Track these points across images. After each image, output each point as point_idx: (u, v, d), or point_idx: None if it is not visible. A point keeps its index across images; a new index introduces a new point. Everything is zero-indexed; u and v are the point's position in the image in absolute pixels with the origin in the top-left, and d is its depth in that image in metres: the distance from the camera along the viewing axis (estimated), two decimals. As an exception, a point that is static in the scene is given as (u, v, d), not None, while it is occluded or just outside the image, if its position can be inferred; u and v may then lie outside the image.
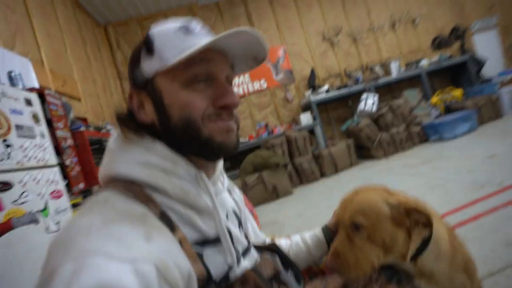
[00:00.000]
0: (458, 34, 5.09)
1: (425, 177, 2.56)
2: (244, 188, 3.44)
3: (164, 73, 0.43)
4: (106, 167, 0.44)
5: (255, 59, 0.50)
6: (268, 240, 0.71)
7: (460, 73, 5.28)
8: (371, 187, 0.63)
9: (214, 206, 0.45)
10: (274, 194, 3.52)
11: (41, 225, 1.33)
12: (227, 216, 0.51)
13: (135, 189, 0.40)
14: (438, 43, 5.10)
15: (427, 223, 0.54)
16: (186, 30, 0.44)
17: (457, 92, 4.56)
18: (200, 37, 0.44)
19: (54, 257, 0.30)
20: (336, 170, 4.02)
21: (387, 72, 5.14)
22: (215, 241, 0.44)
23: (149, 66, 0.43)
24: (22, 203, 1.25)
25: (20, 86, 1.65)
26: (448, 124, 3.73)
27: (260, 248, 0.57)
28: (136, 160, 0.42)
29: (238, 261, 0.46)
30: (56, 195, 1.49)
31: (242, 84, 5.11)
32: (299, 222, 2.49)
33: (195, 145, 0.44)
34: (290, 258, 0.59)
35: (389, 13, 5.57)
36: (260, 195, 3.47)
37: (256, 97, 5.16)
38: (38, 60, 2.58)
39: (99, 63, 4.11)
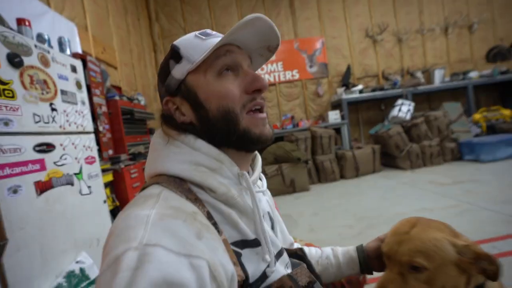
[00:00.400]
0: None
1: (454, 199, 2.43)
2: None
3: (195, 71, 0.46)
4: (154, 163, 0.46)
5: (268, 48, 0.52)
6: (296, 244, 0.71)
7: (512, 91, 4.84)
8: (432, 222, 0.55)
9: (256, 207, 0.45)
10: (291, 187, 3.52)
11: (76, 187, 1.42)
12: (263, 218, 0.51)
13: (185, 187, 0.42)
14: (494, 55, 4.67)
15: (494, 274, 0.47)
16: (203, 34, 0.48)
17: (507, 112, 4.19)
18: (217, 36, 0.48)
19: (116, 243, 0.32)
20: (357, 174, 3.92)
21: (429, 79, 4.82)
22: (253, 242, 0.44)
23: (180, 70, 0.47)
24: (62, 165, 1.32)
25: (68, 52, 1.70)
26: (488, 145, 3.46)
27: (288, 252, 0.57)
28: (183, 158, 0.44)
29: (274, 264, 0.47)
30: (90, 160, 1.57)
31: (273, 72, 5.00)
32: (313, 221, 2.48)
33: (235, 134, 0.46)
34: (314, 268, 0.59)
35: (444, 14, 5.12)
36: (277, 187, 3.48)
37: (286, 87, 5.06)
38: (82, 25, 2.65)
39: (137, 33, 4.17)
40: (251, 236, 0.45)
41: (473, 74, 4.62)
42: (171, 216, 0.35)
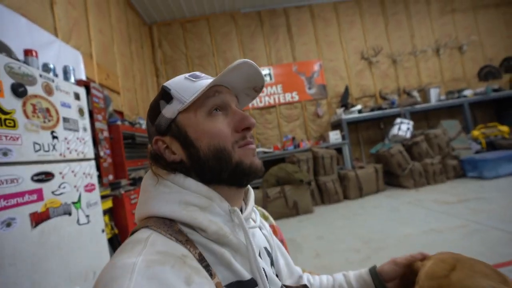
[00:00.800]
0: (510, 65, 4.74)
1: (461, 218, 2.36)
2: (265, 200, 3.38)
3: (185, 111, 0.47)
4: (144, 205, 0.45)
5: (254, 89, 0.54)
6: (304, 276, 0.68)
7: (508, 108, 4.90)
8: (474, 263, 0.49)
9: (249, 244, 0.44)
10: (294, 210, 3.43)
11: (73, 217, 1.37)
12: (259, 255, 0.50)
13: (175, 229, 0.41)
14: (486, 74, 4.78)
15: None
16: (193, 76, 0.50)
17: (505, 128, 4.22)
18: (207, 78, 0.50)
19: None
20: (361, 194, 3.85)
21: (425, 98, 4.90)
22: (249, 283, 0.43)
23: (170, 110, 0.48)
24: (60, 194, 1.29)
25: (72, 80, 1.73)
26: (491, 161, 3.44)
27: None
28: (172, 198, 0.43)
29: None
30: (89, 188, 1.54)
31: (273, 94, 5.10)
32: (318, 245, 2.39)
33: (227, 171, 0.46)
34: None
35: (434, 37, 5.33)
36: (280, 209, 3.40)
37: (286, 108, 5.13)
38: (88, 53, 2.73)
39: (140, 60, 4.30)
40: (247, 276, 0.43)
41: (468, 92, 4.71)
42: (158, 262, 0.34)
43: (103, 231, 1.59)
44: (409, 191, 3.71)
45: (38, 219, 1.14)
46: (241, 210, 0.51)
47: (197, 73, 0.52)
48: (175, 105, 0.47)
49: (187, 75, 0.51)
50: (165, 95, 0.49)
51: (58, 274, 1.20)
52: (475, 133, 4.31)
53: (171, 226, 0.41)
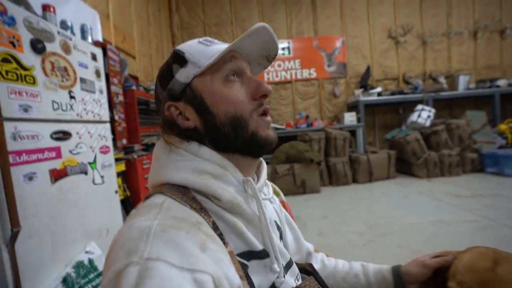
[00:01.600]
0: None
1: (472, 213, 2.31)
2: (273, 176, 3.41)
3: (201, 76, 0.45)
4: (157, 173, 0.45)
5: (267, 57, 0.53)
6: (318, 255, 0.68)
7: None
8: None
9: (262, 214, 0.44)
10: (301, 188, 3.46)
11: (89, 177, 1.42)
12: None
13: (189, 196, 0.41)
14: (526, 63, 4.40)
15: None
16: (206, 41, 0.48)
17: (536, 124, 3.97)
18: (220, 43, 0.48)
19: (118, 257, 0.31)
20: (371, 179, 3.81)
21: (453, 85, 4.61)
22: (261, 253, 0.43)
23: (185, 74, 0.45)
24: (77, 153, 1.32)
25: (89, 40, 1.70)
26: (513, 158, 3.29)
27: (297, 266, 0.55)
28: (186, 166, 0.43)
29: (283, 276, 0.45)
30: (104, 150, 1.57)
31: (290, 69, 4.92)
32: (322, 224, 2.42)
33: (242, 139, 0.45)
34: (326, 285, 0.55)
35: (473, 18, 4.87)
36: (287, 186, 3.43)
37: (302, 85, 4.97)
38: (105, 13, 2.66)
39: (156, 24, 4.18)
40: (259, 247, 0.43)
41: (502, 82, 4.39)
42: (173, 227, 0.34)
43: (116, 192, 1.66)
44: (421, 180, 3.64)
45: (57, 175, 1.18)
46: None
47: (210, 38, 0.50)
48: (190, 69, 0.45)
49: (200, 39, 0.49)
50: (179, 59, 0.46)
51: (75, 229, 1.27)
52: (502, 127, 4.07)
53: (185, 193, 0.41)
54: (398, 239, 1.99)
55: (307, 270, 0.57)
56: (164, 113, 0.48)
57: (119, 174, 1.91)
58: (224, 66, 0.45)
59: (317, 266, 0.64)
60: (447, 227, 2.10)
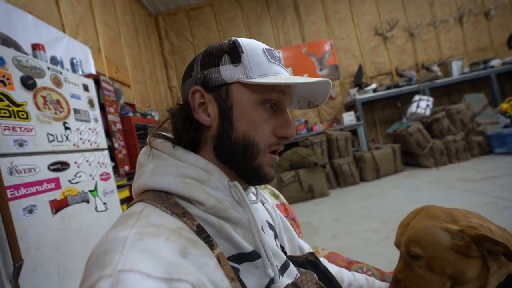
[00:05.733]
0: (543, 30, 4.32)
1: (488, 196, 2.23)
2: (279, 185, 3.38)
3: (244, 86, 0.43)
4: (139, 180, 0.43)
5: (309, 103, 0.52)
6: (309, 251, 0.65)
7: (540, 77, 4.51)
8: (431, 209, 0.56)
9: (251, 217, 0.43)
10: (309, 194, 3.41)
11: (91, 205, 1.42)
12: (262, 228, 0.49)
13: (171, 202, 0.39)
14: (516, 40, 4.39)
15: (506, 255, 0.46)
16: (270, 54, 0.45)
17: (538, 99, 3.90)
18: (279, 65, 0.46)
19: (91, 271, 0.30)
20: (378, 175, 3.74)
21: (447, 72, 4.60)
22: (251, 255, 0.42)
23: (231, 72, 0.43)
24: (76, 182, 1.34)
25: (80, 72, 1.76)
26: (521, 135, 3.21)
27: (298, 260, 0.54)
28: (168, 171, 0.42)
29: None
30: (105, 177, 1.58)
31: (283, 78, 4.98)
32: (335, 227, 2.36)
33: (245, 165, 0.44)
34: (330, 272, 0.55)
35: (456, 4, 4.93)
36: (295, 194, 3.38)
37: (296, 92, 5.00)
38: (96, 48, 2.76)
39: (148, 51, 4.32)
40: (248, 248, 0.41)
41: (495, 62, 4.36)
42: (151, 234, 0.32)
43: (121, 217, 1.65)
44: (430, 170, 3.56)
45: (57, 206, 1.19)
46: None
47: (275, 52, 0.48)
48: (239, 72, 0.43)
49: (265, 47, 0.46)
50: (234, 54, 0.44)
51: (80, 259, 1.26)
52: (504, 106, 4.01)
53: (166, 199, 0.39)
54: (414, 232, 1.92)
55: (309, 260, 0.55)
56: (186, 93, 0.46)
57: (124, 201, 1.91)
58: (269, 93, 0.44)
59: None
60: (462, 213, 2.02)
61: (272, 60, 0.45)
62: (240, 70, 0.43)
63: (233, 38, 0.46)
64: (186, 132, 0.44)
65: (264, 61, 0.44)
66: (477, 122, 3.84)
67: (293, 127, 0.46)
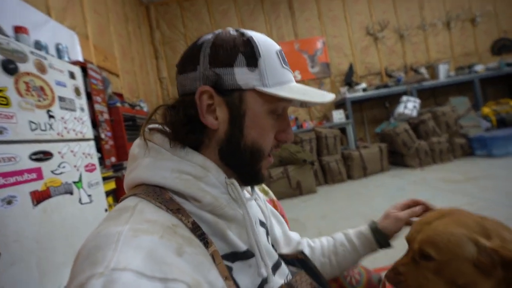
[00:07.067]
0: (525, 38, 4.51)
1: (469, 196, 2.33)
2: (268, 180, 3.39)
3: (258, 94, 0.41)
4: (132, 173, 0.42)
5: (303, 104, 0.51)
6: (303, 241, 0.67)
7: (521, 83, 4.71)
8: (462, 215, 0.52)
9: (247, 217, 0.42)
10: (297, 190, 3.44)
11: (75, 196, 1.37)
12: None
13: (166, 197, 0.38)
14: (500, 47, 4.56)
15: None
16: (282, 57, 0.44)
17: (517, 105, 4.08)
18: (289, 70, 0.46)
19: (82, 267, 0.28)
20: (365, 174, 3.82)
21: (434, 75, 4.72)
22: (245, 254, 0.41)
23: (247, 77, 0.40)
24: (60, 173, 1.28)
25: (66, 59, 1.68)
26: (501, 139, 3.35)
27: (287, 258, 0.55)
28: (164, 165, 0.40)
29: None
30: (90, 168, 1.53)
31: (275, 74, 4.97)
32: (321, 224, 2.40)
33: (249, 170, 0.44)
34: (318, 270, 0.56)
35: (445, 9, 5.05)
36: (283, 190, 3.41)
37: (288, 89, 5.01)
38: (84, 34, 2.65)
39: (138, 41, 4.19)
40: (242, 247, 0.41)
41: (479, 68, 4.52)
42: (146, 231, 0.31)
43: (106, 210, 1.61)
44: (414, 170, 3.66)
45: (39, 197, 1.14)
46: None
47: (283, 54, 0.46)
48: (255, 78, 0.40)
49: (278, 48, 0.44)
50: (250, 57, 0.40)
51: (63, 252, 1.22)
52: (485, 110, 4.17)
53: (161, 194, 0.38)
54: (398, 229, 1.98)
55: (299, 258, 0.55)
56: (186, 86, 0.42)
57: (109, 193, 1.86)
58: (278, 103, 0.43)
59: (306, 251, 0.63)
60: (444, 212, 2.10)
61: (284, 66, 0.44)
62: (256, 76, 0.41)
63: (246, 32, 0.42)
64: (188, 133, 0.42)
65: (278, 67, 0.42)
66: (460, 124, 3.97)
67: (292, 132, 0.47)
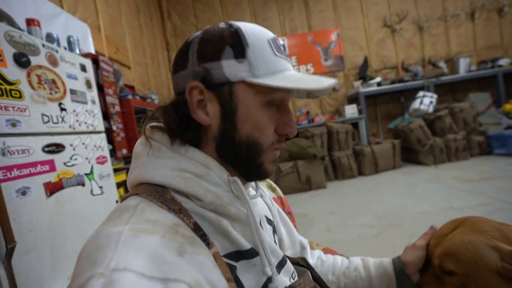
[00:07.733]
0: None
1: (485, 197, 2.24)
2: (277, 175, 3.38)
3: (249, 85, 0.40)
4: (135, 172, 0.42)
5: (308, 94, 0.49)
6: (315, 252, 0.66)
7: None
8: (477, 221, 0.48)
9: (251, 215, 0.41)
10: (307, 185, 3.42)
11: (87, 188, 1.41)
12: (260, 224, 0.49)
13: (167, 197, 0.37)
14: (527, 40, 4.28)
15: None
16: (276, 45, 0.42)
17: (543, 102, 3.85)
18: (285, 59, 0.43)
19: (83, 268, 0.29)
20: (377, 170, 3.74)
21: (453, 69, 4.51)
22: (249, 253, 0.41)
23: (235, 69, 0.39)
24: (72, 165, 1.31)
25: (77, 51, 1.70)
26: (522, 137, 3.19)
27: (290, 261, 0.53)
28: (165, 164, 0.40)
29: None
30: (101, 160, 1.56)
31: (287, 67, 4.88)
32: (330, 220, 2.37)
33: (248, 164, 0.43)
34: (323, 281, 0.53)
35: (469, -1, 4.77)
36: (292, 184, 3.39)
37: (299, 82, 4.92)
38: (95, 26, 2.67)
39: (149, 32, 4.20)
40: (246, 246, 0.40)
41: (504, 61, 4.27)
42: (147, 231, 0.31)
43: (117, 201, 1.64)
44: (428, 168, 3.56)
45: (52, 188, 1.17)
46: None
47: (279, 43, 0.44)
48: (244, 69, 0.39)
49: (270, 36, 0.42)
50: (238, 48, 0.39)
51: (75, 241, 1.26)
52: (508, 107, 3.96)
53: (162, 194, 0.38)
54: (409, 229, 1.93)
55: (300, 264, 0.54)
56: (179, 85, 0.42)
57: (120, 185, 1.90)
58: (273, 93, 0.41)
59: (313, 262, 0.62)
60: (459, 214, 2.03)
61: (278, 54, 0.41)
62: (245, 67, 0.39)
63: (234, 24, 0.41)
64: (184, 132, 0.41)
65: (270, 55, 0.40)
66: (480, 122, 3.80)
67: (294, 125, 0.45)
